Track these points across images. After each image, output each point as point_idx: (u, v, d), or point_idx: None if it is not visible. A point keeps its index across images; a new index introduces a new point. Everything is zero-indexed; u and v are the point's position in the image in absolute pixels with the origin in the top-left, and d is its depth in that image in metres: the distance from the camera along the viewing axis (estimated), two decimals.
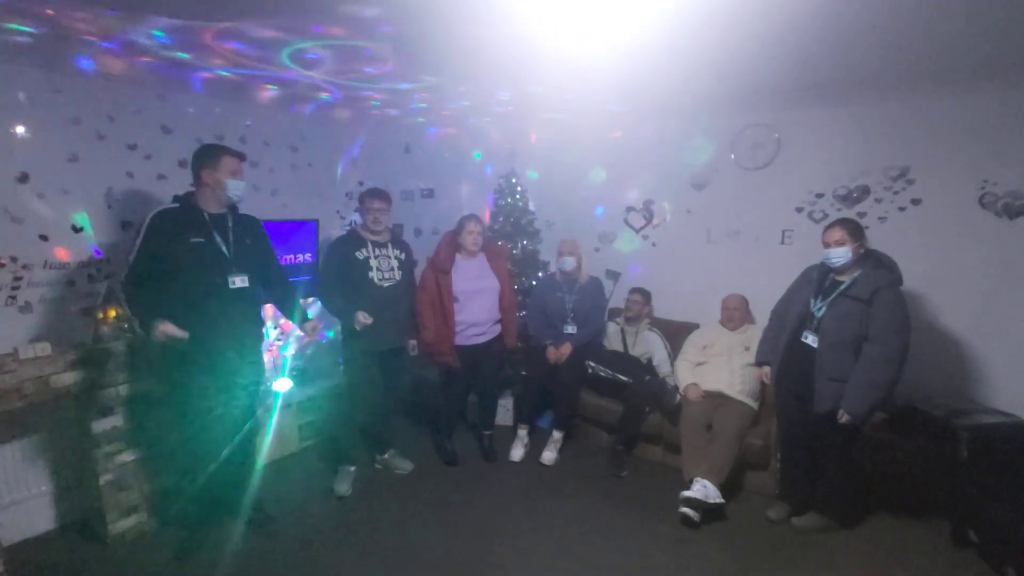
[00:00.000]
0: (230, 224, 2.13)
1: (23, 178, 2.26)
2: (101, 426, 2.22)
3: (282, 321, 3.28)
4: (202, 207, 2.08)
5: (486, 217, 3.77)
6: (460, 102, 3.04)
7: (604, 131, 3.72)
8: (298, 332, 2.51)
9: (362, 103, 3.08)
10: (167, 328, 1.93)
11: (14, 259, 2.25)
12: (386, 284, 2.59)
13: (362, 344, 2.57)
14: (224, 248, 2.09)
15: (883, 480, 2.48)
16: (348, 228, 2.72)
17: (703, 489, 2.36)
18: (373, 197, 2.58)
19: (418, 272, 2.87)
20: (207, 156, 2.07)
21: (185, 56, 2.11)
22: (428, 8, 1.58)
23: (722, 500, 2.38)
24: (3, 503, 2.23)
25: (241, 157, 2.14)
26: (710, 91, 2.61)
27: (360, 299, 2.49)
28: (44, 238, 2.33)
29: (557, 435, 3.06)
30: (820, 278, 2.28)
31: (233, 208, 2.17)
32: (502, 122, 3.79)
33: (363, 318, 2.44)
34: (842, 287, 2.17)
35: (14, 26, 1.77)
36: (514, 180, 3.80)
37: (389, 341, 2.64)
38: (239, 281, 2.11)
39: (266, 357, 2.59)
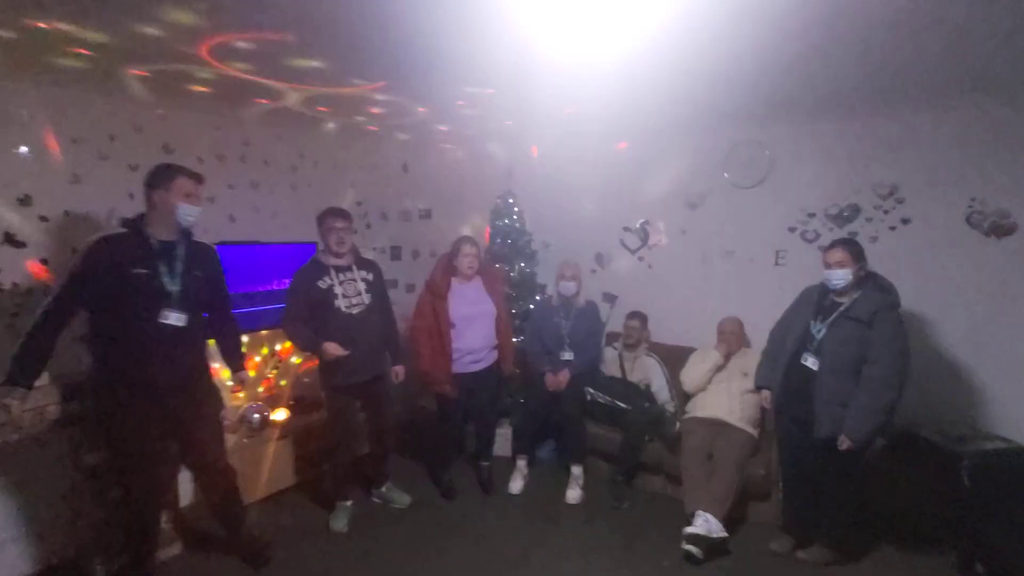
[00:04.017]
0: (180, 254, 1.97)
1: (25, 200, 2.23)
2: (93, 459, 2.17)
3: (278, 348, 3.25)
4: (150, 232, 1.92)
5: (486, 237, 3.76)
6: (458, 123, 3.04)
7: (599, 152, 3.73)
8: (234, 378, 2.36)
9: (361, 122, 3.07)
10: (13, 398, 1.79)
11: (16, 285, 2.21)
12: (355, 311, 2.44)
13: (337, 379, 2.45)
14: (167, 281, 1.92)
15: (886, 509, 2.46)
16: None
17: (706, 524, 2.32)
18: (335, 216, 2.43)
19: (414, 296, 2.81)
20: (160, 176, 1.92)
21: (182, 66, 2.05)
22: (428, 25, 1.59)
23: (725, 534, 2.34)
24: None
25: (198, 179, 1.99)
26: (702, 106, 2.61)
27: (330, 331, 2.37)
28: (45, 262, 2.29)
29: (576, 471, 2.97)
30: (819, 299, 2.27)
31: (186, 235, 2.02)
32: (500, 143, 3.80)
33: (333, 349, 2.33)
34: (842, 307, 2.16)
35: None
36: (511, 201, 3.81)
37: (367, 371, 2.51)
38: (173, 318, 1.92)
39: (233, 391, 2.47)
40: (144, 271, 1.88)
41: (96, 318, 1.90)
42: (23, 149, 2.21)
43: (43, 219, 2.27)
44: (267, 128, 3.12)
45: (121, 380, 1.91)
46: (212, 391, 2.19)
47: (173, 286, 1.93)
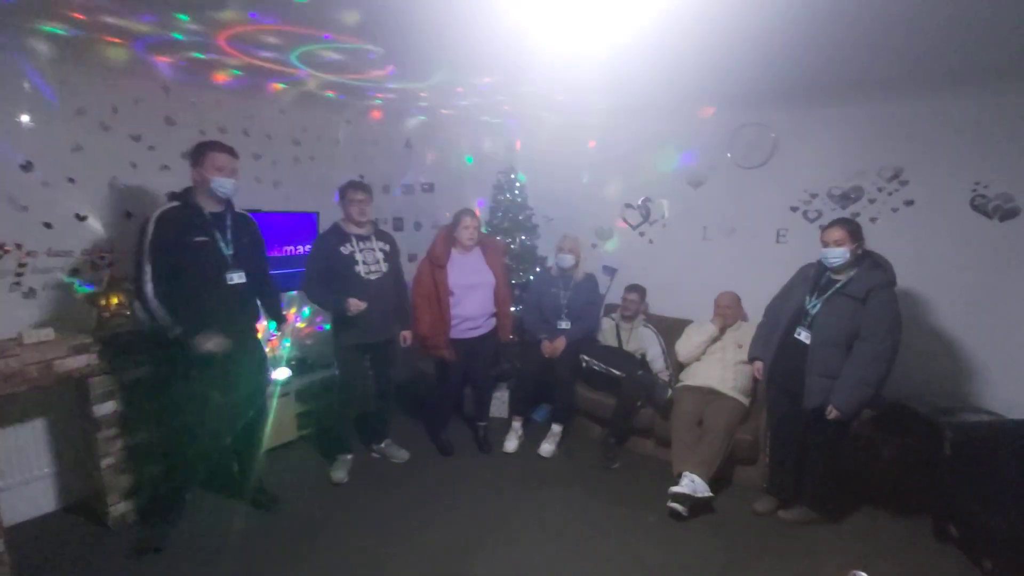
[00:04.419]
0: (228, 223, 2.17)
1: (27, 166, 2.30)
2: (102, 410, 2.27)
3: (286, 313, 3.34)
4: (202, 205, 2.12)
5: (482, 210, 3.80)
6: (461, 100, 3.07)
7: (603, 129, 3.74)
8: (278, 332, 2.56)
9: (366, 100, 3.11)
10: (210, 342, 2.04)
11: (19, 246, 2.29)
12: (373, 277, 2.59)
13: (352, 338, 2.60)
14: (224, 247, 2.13)
15: (869, 476, 2.53)
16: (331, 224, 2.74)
17: (691, 484, 2.40)
18: (356, 189, 2.57)
19: (415, 265, 2.90)
20: (195, 154, 2.10)
21: (201, 56, 2.14)
22: (426, 8, 1.61)
23: (710, 494, 2.42)
24: (6, 484, 2.28)
25: (229, 152, 2.13)
26: (707, 91, 2.63)
27: (348, 294, 2.50)
28: (48, 225, 2.37)
29: (556, 428, 3.10)
30: (816, 276, 2.30)
31: (230, 206, 2.21)
32: (502, 119, 3.82)
33: (355, 304, 2.45)
34: (838, 285, 2.19)
35: (47, 28, 1.80)
36: (512, 176, 3.84)
37: (378, 334, 2.66)
38: (236, 277, 2.17)
39: (267, 348, 2.65)
40: (204, 239, 2.08)
41: (164, 282, 2.05)
42: (25, 118, 2.26)
43: (45, 185, 2.33)
44: (271, 103, 3.14)
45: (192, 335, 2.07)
46: (260, 348, 2.41)
47: (228, 250, 2.14)
